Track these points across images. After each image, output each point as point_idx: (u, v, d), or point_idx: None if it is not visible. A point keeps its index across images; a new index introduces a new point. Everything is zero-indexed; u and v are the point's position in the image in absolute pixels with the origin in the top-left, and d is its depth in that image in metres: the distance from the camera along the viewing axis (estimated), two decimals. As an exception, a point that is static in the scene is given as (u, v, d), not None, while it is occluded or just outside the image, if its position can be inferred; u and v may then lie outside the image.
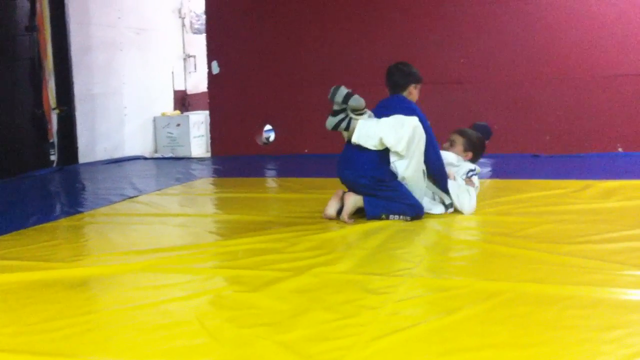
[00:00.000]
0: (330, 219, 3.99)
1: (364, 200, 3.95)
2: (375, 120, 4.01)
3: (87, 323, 2.39)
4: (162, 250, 3.39)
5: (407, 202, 3.93)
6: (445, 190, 4.10)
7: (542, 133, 6.97)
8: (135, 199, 5.08)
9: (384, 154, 3.93)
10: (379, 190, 3.94)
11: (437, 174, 4.11)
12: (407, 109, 4.06)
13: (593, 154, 6.73)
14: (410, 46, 7.27)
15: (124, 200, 5.03)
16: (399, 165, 3.93)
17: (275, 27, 7.77)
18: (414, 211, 3.93)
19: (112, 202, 4.92)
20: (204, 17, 8.25)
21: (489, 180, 5.48)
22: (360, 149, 3.96)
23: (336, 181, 4.25)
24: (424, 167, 4.03)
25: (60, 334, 2.29)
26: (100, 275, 3.01)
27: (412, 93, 4.28)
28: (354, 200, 3.95)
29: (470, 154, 4.46)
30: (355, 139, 3.95)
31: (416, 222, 3.87)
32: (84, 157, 7.49)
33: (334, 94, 3.95)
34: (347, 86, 3.99)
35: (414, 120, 3.92)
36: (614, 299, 2.47)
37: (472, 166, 4.34)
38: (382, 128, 3.91)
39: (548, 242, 3.30)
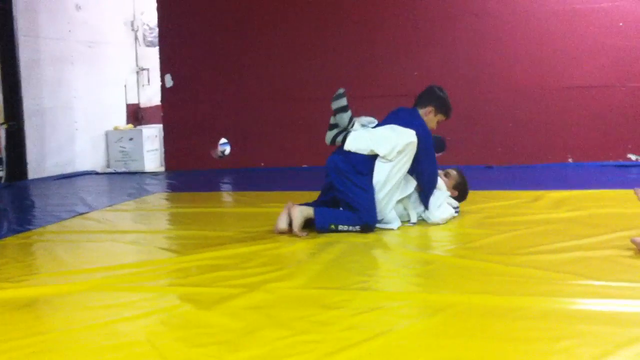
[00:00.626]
0: (282, 233, 3.96)
1: (314, 211, 3.94)
2: (367, 132, 4.06)
3: (34, 345, 2.32)
4: (113, 269, 3.32)
5: (360, 209, 3.92)
6: (426, 202, 4.14)
7: (494, 145, 7.08)
8: (85, 215, 4.98)
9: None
10: (344, 182, 3.94)
11: (427, 184, 4.13)
12: (411, 124, 4.04)
13: (544, 164, 6.86)
14: (363, 59, 7.32)
15: (74, 217, 4.92)
16: (380, 168, 3.96)
17: (229, 40, 7.74)
18: (363, 221, 3.93)
19: (61, 219, 4.81)
20: (157, 29, 8.18)
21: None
22: None
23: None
24: (402, 181, 4.05)
25: (5, 357, 2.22)
26: (48, 295, 2.93)
27: (429, 116, 4.21)
28: (299, 212, 3.91)
29: (456, 193, 4.47)
30: (347, 146, 4.01)
31: (370, 235, 3.87)
32: (33, 172, 7.32)
33: (335, 99, 4.05)
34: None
35: (410, 134, 3.94)
36: (564, 309, 2.50)
37: (455, 203, 4.37)
38: (375, 140, 3.96)
39: (499, 254, 3.33)
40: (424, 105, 4.23)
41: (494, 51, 7.00)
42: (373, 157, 3.99)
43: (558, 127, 6.89)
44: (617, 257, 3.18)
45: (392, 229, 4.00)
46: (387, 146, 3.93)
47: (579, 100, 6.83)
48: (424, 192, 4.17)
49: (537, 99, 6.94)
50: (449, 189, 4.34)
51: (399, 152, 3.92)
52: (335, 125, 4.10)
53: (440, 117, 4.28)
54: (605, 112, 6.76)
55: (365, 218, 3.93)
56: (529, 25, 6.89)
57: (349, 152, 4.02)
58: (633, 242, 3.19)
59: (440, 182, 4.33)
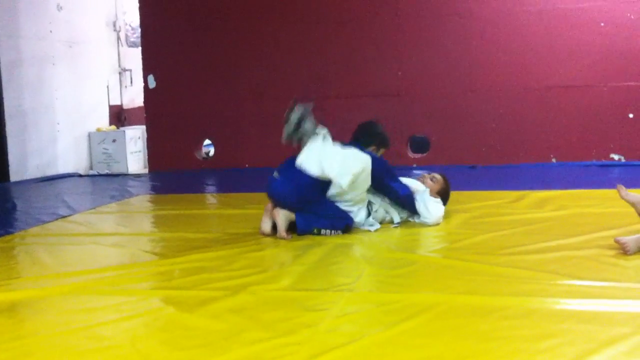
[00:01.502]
0: (267, 235, 3.95)
1: (296, 215, 3.91)
2: (325, 146, 3.96)
3: (15, 349, 2.30)
4: (95, 272, 3.29)
5: (337, 216, 3.93)
6: (414, 210, 4.16)
7: (478, 144, 7.10)
8: (68, 218, 4.93)
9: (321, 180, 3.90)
10: (306, 207, 3.92)
11: (405, 200, 4.14)
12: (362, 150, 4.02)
13: (528, 164, 6.90)
14: (348, 59, 7.33)
15: (56, 219, 4.87)
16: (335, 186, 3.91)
17: (212, 40, 7.72)
18: (344, 223, 3.93)
19: (43, 222, 4.76)
20: (139, 30, 8.13)
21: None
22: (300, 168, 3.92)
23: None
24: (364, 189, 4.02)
25: (-16, 363, 2.19)
26: (30, 299, 2.90)
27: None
28: (284, 216, 3.89)
29: (438, 197, 4.46)
30: (299, 161, 3.92)
31: (354, 237, 3.86)
32: (15, 175, 7.24)
33: (289, 115, 3.92)
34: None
35: (366, 159, 3.91)
36: (547, 308, 2.51)
37: (437, 198, 4.38)
38: (329, 156, 3.88)
39: (483, 253, 3.34)
40: (367, 145, 4.18)
41: (478, 51, 7.03)
42: (317, 184, 3.89)
43: (541, 127, 6.93)
44: (600, 256, 3.19)
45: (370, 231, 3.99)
46: (340, 168, 3.84)
47: (562, 100, 6.87)
48: (407, 208, 4.18)
49: (521, 99, 6.97)
50: (432, 193, 4.34)
51: (355, 178, 3.86)
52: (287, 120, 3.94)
53: (382, 151, 4.34)
54: (588, 112, 6.81)
55: (344, 221, 3.94)
56: (512, 25, 6.93)
57: (291, 181, 3.90)
58: (617, 241, 3.21)
59: (418, 184, 4.35)
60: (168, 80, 7.89)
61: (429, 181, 4.39)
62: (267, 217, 3.97)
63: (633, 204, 3.46)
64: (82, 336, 2.41)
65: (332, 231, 3.91)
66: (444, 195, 4.41)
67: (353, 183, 3.88)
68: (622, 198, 3.44)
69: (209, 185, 6.84)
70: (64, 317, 2.63)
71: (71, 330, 2.47)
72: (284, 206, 3.91)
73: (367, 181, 3.96)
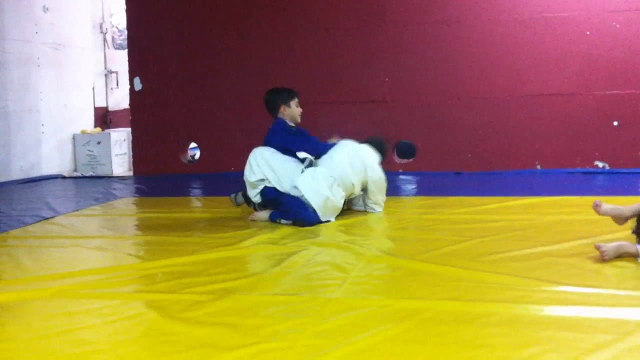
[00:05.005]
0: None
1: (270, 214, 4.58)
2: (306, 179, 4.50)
3: (-7, 354, 2.27)
4: (77, 275, 3.26)
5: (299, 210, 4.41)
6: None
7: (463, 151, 7.12)
8: (50, 220, 4.89)
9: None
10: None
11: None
12: (278, 133, 4.67)
13: (513, 171, 6.92)
14: (334, 66, 7.32)
15: (38, 221, 4.83)
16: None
17: (199, 43, 7.69)
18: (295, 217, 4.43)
19: (25, 224, 4.72)
20: (126, 32, 8.09)
21: (412, 198, 5.55)
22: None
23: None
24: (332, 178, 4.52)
25: (-39, 367, 2.16)
26: (9, 303, 2.86)
27: (286, 111, 4.74)
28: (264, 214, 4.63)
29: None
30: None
31: (338, 242, 3.84)
32: (-2, 176, 7.19)
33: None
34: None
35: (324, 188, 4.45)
36: (531, 315, 2.51)
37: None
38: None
39: (468, 259, 3.34)
40: (277, 111, 4.79)
41: (463, 59, 7.05)
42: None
43: (526, 134, 6.96)
44: (584, 263, 3.21)
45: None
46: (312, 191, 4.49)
47: (547, 107, 6.90)
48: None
49: (506, 106, 7.00)
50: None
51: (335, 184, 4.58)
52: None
53: (294, 102, 4.80)
54: (572, 119, 6.85)
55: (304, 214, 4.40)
56: (498, 33, 6.96)
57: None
58: (596, 247, 3.23)
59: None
60: (154, 83, 7.85)
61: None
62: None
63: (612, 217, 3.50)
64: (63, 340, 2.38)
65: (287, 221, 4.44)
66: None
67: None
68: (600, 214, 3.50)
69: (194, 188, 6.81)
70: (44, 321, 2.60)
71: (52, 335, 2.44)
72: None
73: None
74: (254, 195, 4.62)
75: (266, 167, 4.55)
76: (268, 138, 4.74)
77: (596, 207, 3.49)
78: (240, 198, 4.89)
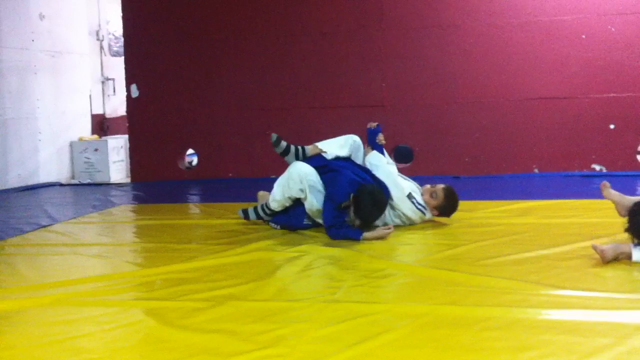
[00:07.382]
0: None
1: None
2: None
3: (-9, 363, 2.27)
4: (75, 283, 3.26)
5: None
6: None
7: (461, 155, 7.12)
8: (48, 228, 4.88)
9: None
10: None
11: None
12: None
13: (510, 175, 6.93)
14: (332, 70, 7.33)
15: (36, 229, 4.82)
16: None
17: (196, 50, 7.69)
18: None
19: (23, 232, 4.71)
20: (123, 39, 8.09)
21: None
22: None
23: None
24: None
25: (-41, 376, 2.16)
26: (8, 311, 2.86)
27: None
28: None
29: (436, 213, 4.46)
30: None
31: (336, 247, 3.83)
32: (-5, 184, 7.17)
33: (275, 146, 4.54)
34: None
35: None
36: (529, 319, 2.51)
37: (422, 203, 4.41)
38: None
39: (466, 263, 3.34)
40: None
41: (460, 63, 7.06)
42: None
43: (524, 138, 6.97)
44: (582, 266, 3.21)
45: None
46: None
47: (544, 111, 6.92)
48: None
49: (503, 110, 7.01)
50: (430, 207, 4.38)
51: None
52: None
53: None
54: (569, 123, 6.86)
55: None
56: (494, 37, 6.97)
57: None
58: (594, 248, 3.23)
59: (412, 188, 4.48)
60: (151, 90, 7.85)
61: (427, 196, 4.39)
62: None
63: (615, 202, 3.48)
64: (61, 348, 2.38)
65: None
66: (443, 210, 4.40)
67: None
68: (605, 197, 3.47)
69: (193, 195, 6.81)
70: (43, 329, 2.60)
71: (50, 343, 2.44)
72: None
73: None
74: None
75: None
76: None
77: (604, 187, 3.46)
78: (252, 213, 4.61)
